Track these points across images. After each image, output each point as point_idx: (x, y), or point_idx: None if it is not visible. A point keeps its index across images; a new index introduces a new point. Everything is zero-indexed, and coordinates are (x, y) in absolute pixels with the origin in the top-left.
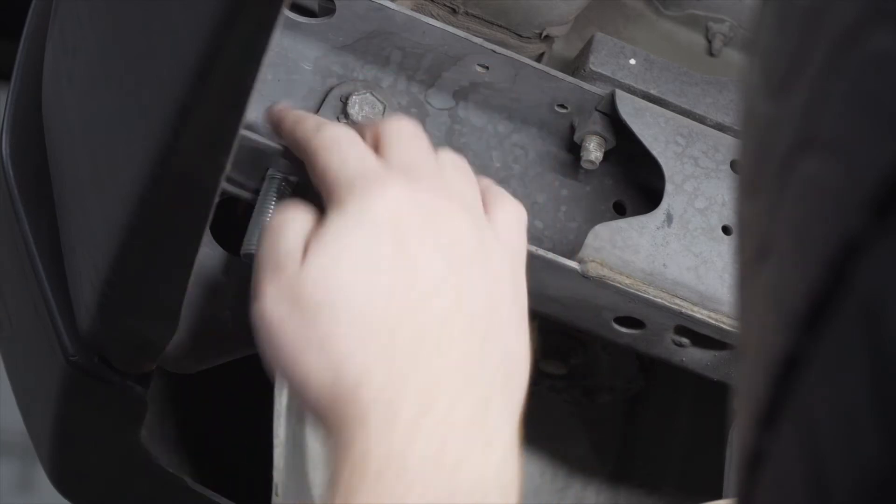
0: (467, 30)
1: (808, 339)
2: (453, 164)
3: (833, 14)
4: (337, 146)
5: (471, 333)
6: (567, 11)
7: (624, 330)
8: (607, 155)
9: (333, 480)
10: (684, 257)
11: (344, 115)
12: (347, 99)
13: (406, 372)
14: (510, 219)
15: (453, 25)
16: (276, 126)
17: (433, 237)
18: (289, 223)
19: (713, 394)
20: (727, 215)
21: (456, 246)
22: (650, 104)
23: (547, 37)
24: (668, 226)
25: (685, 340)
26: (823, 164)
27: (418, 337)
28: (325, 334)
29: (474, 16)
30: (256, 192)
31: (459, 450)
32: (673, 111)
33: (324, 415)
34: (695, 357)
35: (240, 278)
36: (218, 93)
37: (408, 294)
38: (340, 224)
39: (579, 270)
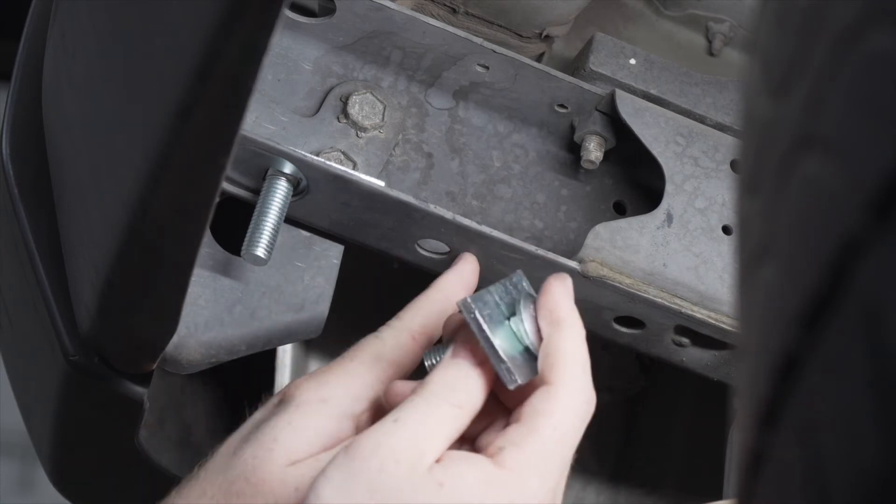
0: (467, 30)
1: (808, 339)
2: None
3: (833, 14)
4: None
5: None
6: (567, 11)
7: (624, 330)
8: (607, 155)
9: None
10: (684, 257)
11: (344, 114)
12: (347, 99)
13: None
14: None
15: (453, 25)
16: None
17: None
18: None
19: (713, 394)
20: (727, 215)
21: None
22: (650, 104)
23: (547, 37)
24: (668, 226)
25: (685, 340)
26: (823, 163)
27: None
28: None
29: (474, 15)
30: (256, 192)
31: None
32: (673, 111)
33: None
34: (695, 357)
35: None
36: (218, 93)
37: None
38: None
39: (579, 270)
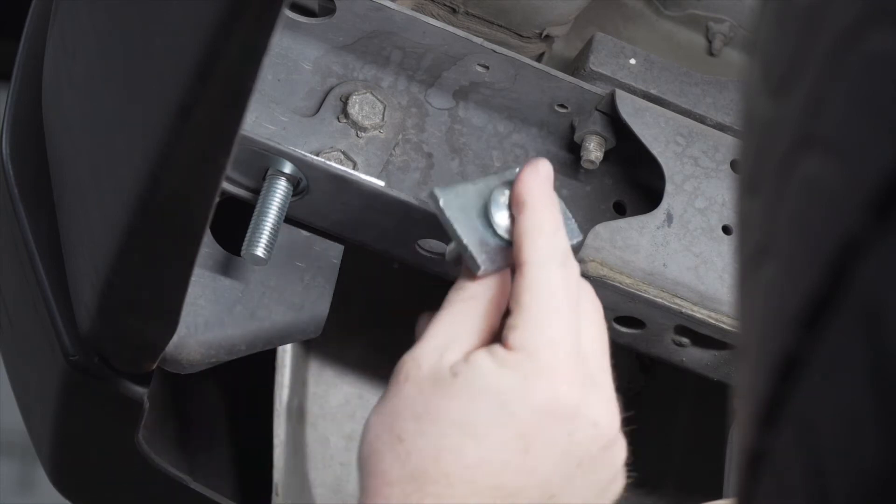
0: (467, 30)
1: (808, 338)
2: None
3: (833, 14)
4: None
5: None
6: (567, 11)
7: (624, 329)
8: (607, 155)
9: None
10: (684, 257)
11: (344, 114)
12: (347, 99)
13: None
14: None
15: (453, 25)
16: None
17: None
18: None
19: (713, 394)
20: (727, 215)
21: None
22: (650, 104)
23: (547, 37)
24: (668, 226)
25: (685, 340)
26: (823, 164)
27: None
28: None
29: (474, 15)
30: (256, 192)
31: None
32: (673, 111)
33: None
34: (695, 357)
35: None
36: (218, 93)
37: None
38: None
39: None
